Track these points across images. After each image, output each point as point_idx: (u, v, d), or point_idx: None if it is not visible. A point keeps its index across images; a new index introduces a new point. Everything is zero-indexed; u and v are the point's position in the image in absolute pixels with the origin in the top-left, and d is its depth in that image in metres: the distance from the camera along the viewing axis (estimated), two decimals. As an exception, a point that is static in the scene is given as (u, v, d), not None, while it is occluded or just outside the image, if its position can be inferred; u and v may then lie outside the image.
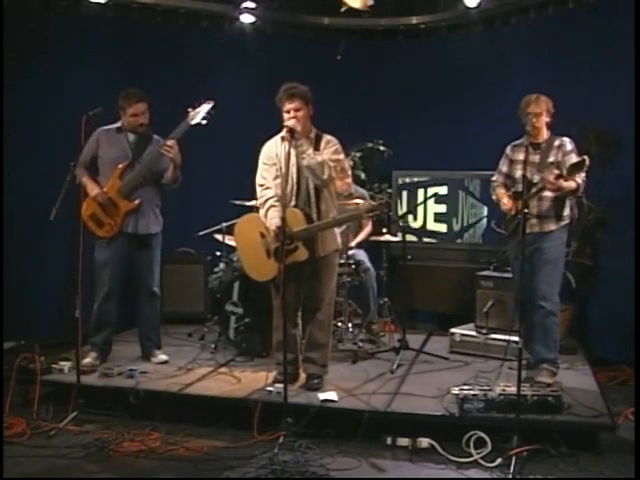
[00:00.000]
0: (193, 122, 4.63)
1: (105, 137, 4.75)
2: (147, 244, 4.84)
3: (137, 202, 4.72)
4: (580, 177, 4.24)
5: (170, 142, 4.63)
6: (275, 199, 4.29)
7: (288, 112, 4.19)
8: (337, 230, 4.48)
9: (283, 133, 4.24)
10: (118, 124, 4.80)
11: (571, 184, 4.25)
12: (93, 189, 4.69)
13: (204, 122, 4.64)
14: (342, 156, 4.35)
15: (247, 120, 6.32)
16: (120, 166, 4.71)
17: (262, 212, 4.36)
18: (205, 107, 4.64)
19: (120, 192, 4.70)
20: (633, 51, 5.02)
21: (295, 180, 4.27)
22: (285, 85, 4.25)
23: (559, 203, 4.42)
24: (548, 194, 4.36)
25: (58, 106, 5.72)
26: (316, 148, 4.26)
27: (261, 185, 4.39)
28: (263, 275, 4.39)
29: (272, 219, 4.24)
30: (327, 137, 4.35)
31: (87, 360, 4.73)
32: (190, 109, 4.66)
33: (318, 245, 4.29)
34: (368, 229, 5.81)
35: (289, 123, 4.14)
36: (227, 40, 6.62)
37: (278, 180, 4.26)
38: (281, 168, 4.18)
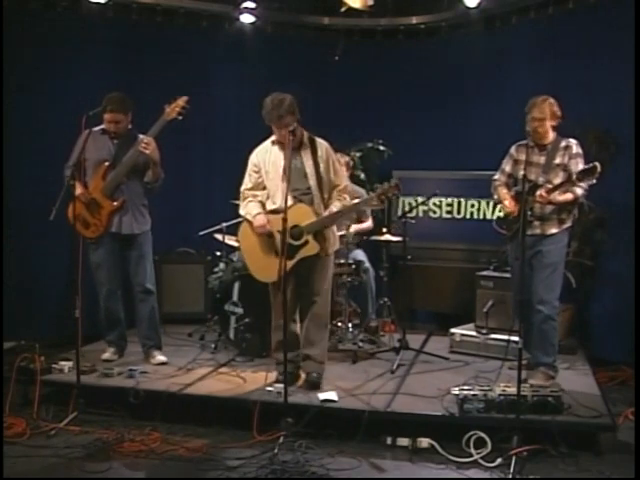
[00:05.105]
0: (169, 118, 4.66)
1: (92, 138, 4.63)
2: (133, 243, 4.84)
3: (120, 201, 4.73)
4: (582, 187, 4.20)
5: (147, 139, 4.63)
6: (252, 195, 4.41)
7: (282, 131, 4.19)
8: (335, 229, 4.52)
9: (274, 138, 4.33)
10: (103, 125, 4.76)
11: (567, 196, 4.24)
12: (78, 189, 4.62)
13: (180, 117, 4.68)
14: (336, 161, 4.46)
15: (247, 120, 6.28)
16: (102, 166, 4.71)
17: (242, 206, 4.45)
18: (180, 102, 4.67)
19: (103, 192, 4.72)
20: (633, 51, 5.02)
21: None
22: (267, 106, 4.20)
23: (562, 206, 4.35)
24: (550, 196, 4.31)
25: (58, 106, 5.73)
26: (313, 153, 4.32)
27: (243, 189, 4.48)
28: (272, 275, 4.12)
29: (252, 210, 4.35)
30: (319, 141, 4.40)
31: (106, 355, 4.90)
32: (166, 105, 4.67)
33: (327, 243, 4.34)
34: (368, 224, 5.79)
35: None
36: (227, 40, 6.61)
37: (257, 190, 4.40)
38: (267, 172, 4.34)
